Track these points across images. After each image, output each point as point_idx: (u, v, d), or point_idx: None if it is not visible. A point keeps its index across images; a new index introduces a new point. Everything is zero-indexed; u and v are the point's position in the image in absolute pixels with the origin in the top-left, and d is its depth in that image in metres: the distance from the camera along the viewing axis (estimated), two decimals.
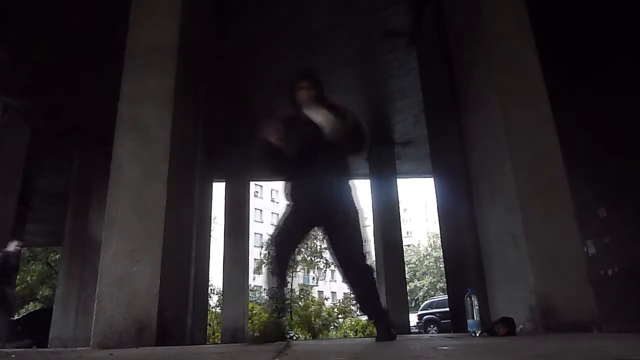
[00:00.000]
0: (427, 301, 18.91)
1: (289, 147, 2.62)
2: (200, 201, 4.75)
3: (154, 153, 3.41)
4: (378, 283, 3.38)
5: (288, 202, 2.78)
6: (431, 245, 39.68)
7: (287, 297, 2.72)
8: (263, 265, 25.94)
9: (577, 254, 3.28)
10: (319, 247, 28.35)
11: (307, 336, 14.84)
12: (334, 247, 2.70)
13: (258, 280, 30.05)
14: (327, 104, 2.63)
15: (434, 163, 5.65)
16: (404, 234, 10.43)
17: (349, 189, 2.69)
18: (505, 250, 3.49)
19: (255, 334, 2.72)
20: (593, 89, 6.76)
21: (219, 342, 9.70)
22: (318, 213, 2.62)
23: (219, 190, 9.98)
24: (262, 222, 40.18)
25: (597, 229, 6.65)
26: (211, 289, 17.28)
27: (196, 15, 4.42)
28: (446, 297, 10.75)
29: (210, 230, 5.51)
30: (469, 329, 2.92)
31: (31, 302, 22.23)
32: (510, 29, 3.78)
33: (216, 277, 13.66)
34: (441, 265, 28.28)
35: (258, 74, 7.14)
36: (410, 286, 31.74)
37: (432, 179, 5.97)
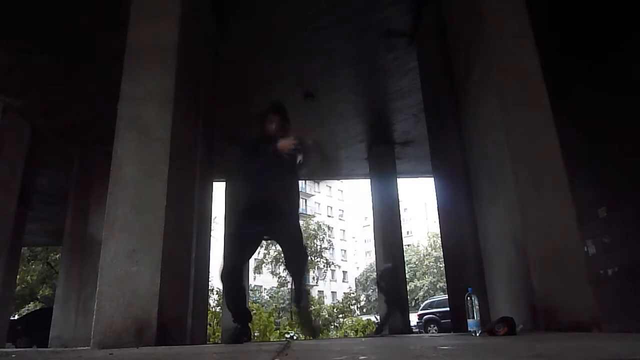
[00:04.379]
0: (427, 301, 18.90)
1: (255, 162, 3.16)
2: (200, 201, 4.75)
3: (154, 153, 3.41)
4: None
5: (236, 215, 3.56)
6: (431, 245, 39.67)
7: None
8: (263, 265, 26.00)
9: (577, 254, 3.28)
10: (319, 247, 28.39)
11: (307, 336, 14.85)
12: (283, 249, 3.36)
13: (258, 280, 30.08)
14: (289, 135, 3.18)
15: (434, 162, 5.65)
16: (404, 233, 10.42)
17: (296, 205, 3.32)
18: (505, 250, 3.49)
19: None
20: (593, 88, 6.77)
21: (219, 342, 9.69)
22: (266, 220, 3.07)
23: (219, 190, 9.97)
24: None
25: (597, 229, 6.65)
26: (211, 289, 17.27)
27: (196, 15, 4.42)
28: (446, 296, 10.75)
29: (210, 230, 5.50)
30: (469, 329, 2.93)
31: (31, 302, 22.25)
32: (510, 29, 3.78)
33: (216, 278, 13.67)
34: (441, 265, 28.28)
35: (258, 74, 7.15)
36: (410, 286, 31.72)
37: (432, 179, 5.97)
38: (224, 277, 3.07)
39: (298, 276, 3.37)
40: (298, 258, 3.32)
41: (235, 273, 3.13)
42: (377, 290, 9.66)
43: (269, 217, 3.04)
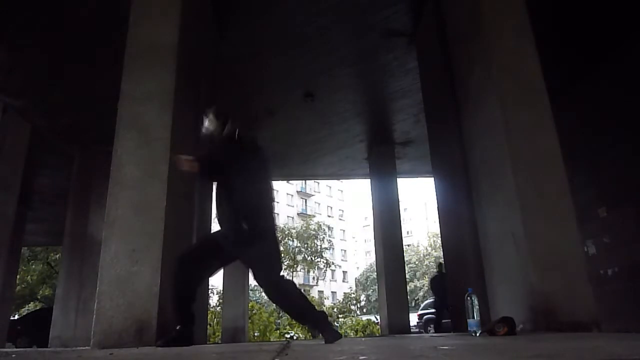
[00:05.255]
0: (427, 301, 18.87)
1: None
2: (200, 201, 4.75)
3: (154, 152, 3.41)
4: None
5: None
6: (431, 245, 39.68)
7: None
8: None
9: (577, 254, 3.28)
10: (319, 247, 28.37)
11: (307, 336, 14.84)
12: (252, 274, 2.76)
13: None
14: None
15: (434, 162, 5.65)
16: (404, 233, 10.41)
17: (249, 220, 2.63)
18: (505, 250, 3.49)
19: None
20: (593, 88, 6.77)
21: (219, 342, 9.69)
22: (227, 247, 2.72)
23: None
24: None
25: (597, 229, 6.65)
26: (211, 289, 17.27)
27: (196, 15, 4.42)
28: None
29: (210, 230, 5.51)
30: (469, 329, 2.93)
31: (31, 302, 22.25)
32: (510, 29, 3.78)
33: (216, 277, 13.67)
34: None
35: (258, 74, 7.15)
36: (410, 286, 31.72)
37: (432, 179, 5.97)
38: (179, 260, 2.73)
39: (294, 316, 3.02)
40: (271, 294, 2.72)
41: (193, 262, 2.72)
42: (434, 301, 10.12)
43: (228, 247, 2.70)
